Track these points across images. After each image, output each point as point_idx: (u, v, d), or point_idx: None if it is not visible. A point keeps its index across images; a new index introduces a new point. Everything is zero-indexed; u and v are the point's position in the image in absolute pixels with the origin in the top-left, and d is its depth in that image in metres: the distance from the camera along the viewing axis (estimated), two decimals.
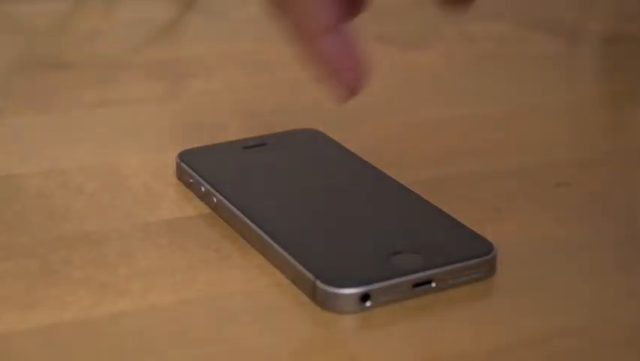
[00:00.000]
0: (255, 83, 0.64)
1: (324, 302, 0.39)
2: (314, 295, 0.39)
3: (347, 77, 0.42)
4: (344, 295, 0.39)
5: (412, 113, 0.59)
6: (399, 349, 0.37)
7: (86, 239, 0.44)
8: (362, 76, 0.42)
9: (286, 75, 0.65)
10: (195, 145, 0.52)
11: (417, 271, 0.40)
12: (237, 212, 0.44)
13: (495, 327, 0.38)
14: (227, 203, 0.45)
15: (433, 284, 0.40)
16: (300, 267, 0.40)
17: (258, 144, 0.51)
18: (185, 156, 0.50)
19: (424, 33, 0.73)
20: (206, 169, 0.48)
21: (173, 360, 0.36)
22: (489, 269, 0.41)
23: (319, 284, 0.39)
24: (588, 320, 0.39)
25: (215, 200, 0.46)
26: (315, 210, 0.45)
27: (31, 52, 0.69)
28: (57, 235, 0.44)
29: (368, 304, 0.39)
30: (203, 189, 0.47)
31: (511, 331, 0.38)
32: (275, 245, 0.42)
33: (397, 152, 0.53)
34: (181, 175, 0.49)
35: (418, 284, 0.40)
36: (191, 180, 0.48)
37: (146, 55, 0.68)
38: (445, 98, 0.61)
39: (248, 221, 0.44)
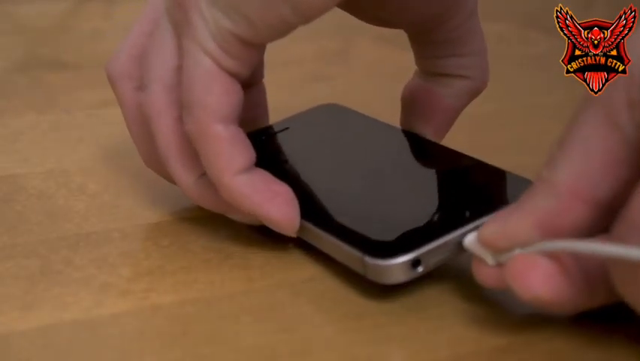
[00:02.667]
0: None
1: (377, 277, 0.38)
2: (365, 271, 0.39)
3: (271, 209, 0.41)
4: (395, 266, 0.38)
5: None
6: (399, 347, 0.37)
7: (87, 239, 0.44)
8: (288, 205, 0.41)
9: (286, 75, 0.65)
10: None
11: (463, 225, 0.39)
12: None
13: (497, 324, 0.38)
14: None
15: None
16: (346, 246, 0.39)
17: (281, 129, 0.50)
18: None
19: None
20: None
21: (174, 360, 0.36)
22: None
23: (368, 260, 0.38)
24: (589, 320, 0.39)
25: None
26: (350, 182, 0.44)
27: (31, 52, 0.69)
28: (58, 235, 0.44)
29: (420, 269, 0.38)
30: None
31: (511, 331, 0.38)
32: (316, 229, 0.41)
33: None
34: None
35: None
36: None
37: None
38: None
39: None
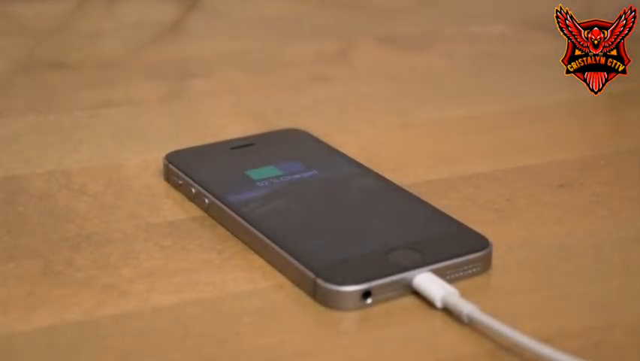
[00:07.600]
0: (255, 83, 0.64)
1: (326, 300, 0.39)
2: (315, 293, 0.39)
3: None
4: (346, 293, 0.39)
5: (412, 113, 0.59)
6: (400, 348, 0.37)
7: (88, 240, 0.44)
8: None
9: (286, 75, 0.65)
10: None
11: (416, 267, 0.40)
12: (232, 213, 0.44)
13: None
14: (220, 204, 0.45)
15: None
16: (300, 266, 0.40)
17: (245, 144, 0.51)
18: (172, 158, 0.49)
19: (425, 33, 0.73)
20: (195, 170, 0.48)
21: None
22: (485, 264, 0.41)
23: (320, 282, 0.39)
24: (589, 320, 0.39)
25: (207, 201, 0.46)
26: (309, 208, 0.45)
27: (32, 52, 0.69)
28: (60, 236, 0.45)
29: (369, 301, 0.39)
30: (193, 190, 0.47)
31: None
32: (274, 245, 0.42)
33: (398, 153, 0.53)
34: (169, 176, 0.49)
35: None
36: (181, 182, 0.48)
37: (147, 55, 0.68)
38: (445, 98, 0.61)
39: (244, 222, 0.44)
